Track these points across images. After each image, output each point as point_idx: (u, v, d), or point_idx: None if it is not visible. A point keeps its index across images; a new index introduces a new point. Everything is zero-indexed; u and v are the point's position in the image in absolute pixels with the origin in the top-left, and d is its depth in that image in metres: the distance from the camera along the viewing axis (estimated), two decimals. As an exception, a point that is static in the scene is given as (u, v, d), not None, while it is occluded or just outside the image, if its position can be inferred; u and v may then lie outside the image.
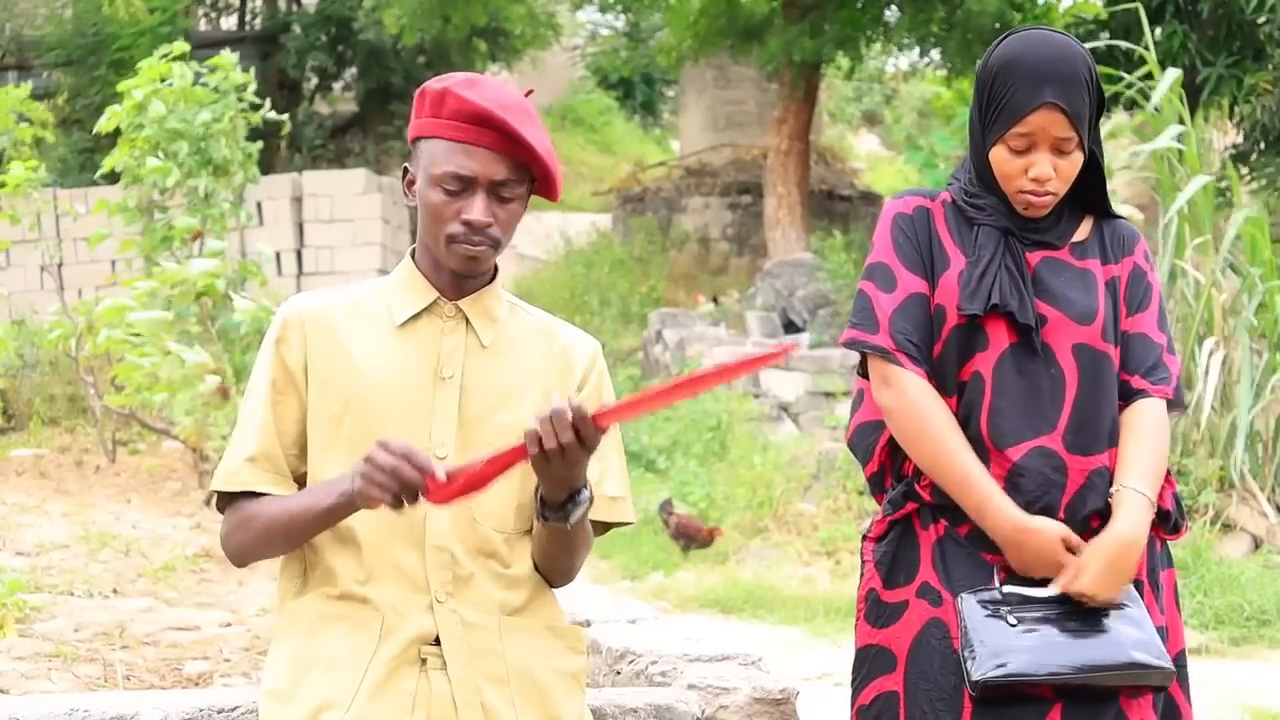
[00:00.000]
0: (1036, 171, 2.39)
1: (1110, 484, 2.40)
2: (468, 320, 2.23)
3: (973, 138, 2.50)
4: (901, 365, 2.41)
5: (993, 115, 2.41)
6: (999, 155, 2.42)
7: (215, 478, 2.20)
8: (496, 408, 2.20)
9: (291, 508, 2.12)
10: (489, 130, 2.13)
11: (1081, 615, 2.32)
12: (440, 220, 2.15)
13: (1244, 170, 11.37)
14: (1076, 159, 2.41)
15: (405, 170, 2.23)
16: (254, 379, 2.21)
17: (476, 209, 2.13)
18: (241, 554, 2.20)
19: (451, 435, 2.16)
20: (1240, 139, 12.32)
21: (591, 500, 2.12)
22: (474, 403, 2.19)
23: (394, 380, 2.17)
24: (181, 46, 8.11)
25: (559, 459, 1.98)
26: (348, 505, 2.04)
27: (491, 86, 2.17)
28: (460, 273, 2.19)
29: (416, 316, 2.21)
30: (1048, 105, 2.35)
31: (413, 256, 2.27)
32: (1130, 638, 2.29)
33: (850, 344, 2.47)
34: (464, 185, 2.14)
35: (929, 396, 2.40)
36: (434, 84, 2.20)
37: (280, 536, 2.14)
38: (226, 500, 2.20)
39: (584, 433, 1.96)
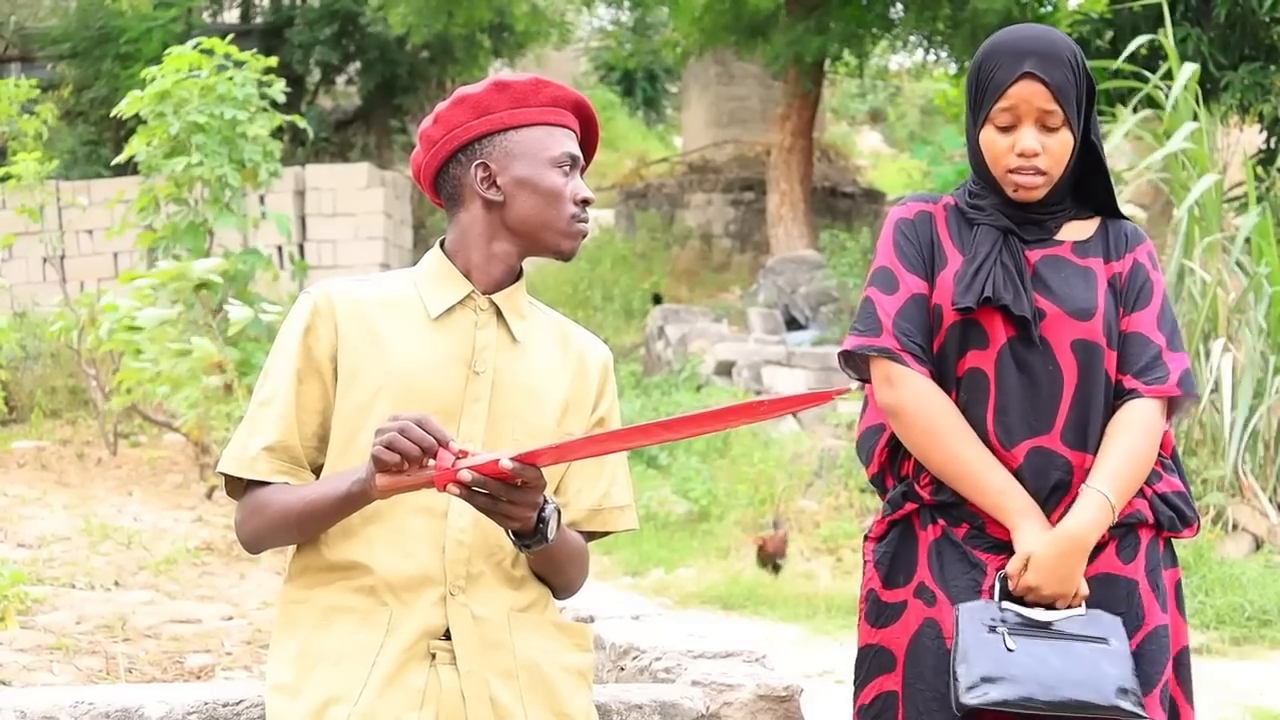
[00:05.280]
0: (1021, 145, 2.40)
1: None
2: (500, 315, 2.22)
3: (968, 137, 2.52)
4: (906, 365, 2.41)
5: (979, 99, 2.45)
6: (987, 137, 2.44)
7: (226, 459, 2.16)
8: (525, 405, 2.19)
9: (306, 496, 2.10)
10: (580, 118, 2.27)
11: (1071, 644, 2.32)
12: (563, 200, 2.20)
13: (1265, 173, 11.30)
14: (1065, 139, 2.42)
15: (485, 166, 2.19)
16: (276, 364, 2.18)
17: (587, 188, 2.23)
18: (254, 542, 2.18)
19: (480, 431, 2.15)
20: (1263, 143, 12.30)
21: (559, 512, 2.09)
22: (504, 399, 2.18)
23: (427, 373, 2.15)
24: (217, 42, 8.10)
25: (511, 506, 1.97)
26: (362, 494, 2.02)
27: None
28: (569, 255, 2.24)
29: (450, 309, 2.20)
30: (1028, 76, 2.39)
31: (441, 247, 2.25)
32: (1114, 680, 2.29)
33: (855, 349, 2.46)
34: (573, 165, 2.22)
35: (936, 396, 2.41)
36: (509, 78, 2.23)
37: (294, 524, 2.11)
38: (236, 482, 2.18)
39: (528, 480, 1.94)
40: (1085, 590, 2.37)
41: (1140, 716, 2.29)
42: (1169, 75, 9.27)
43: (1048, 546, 2.33)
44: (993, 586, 2.38)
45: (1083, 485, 2.38)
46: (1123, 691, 2.29)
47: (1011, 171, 2.42)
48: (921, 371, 2.42)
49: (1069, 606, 2.36)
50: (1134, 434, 2.40)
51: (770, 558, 8.13)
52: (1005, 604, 2.35)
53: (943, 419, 2.40)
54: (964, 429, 2.40)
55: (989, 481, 2.37)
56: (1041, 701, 2.27)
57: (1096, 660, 2.30)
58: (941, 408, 2.40)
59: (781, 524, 8.44)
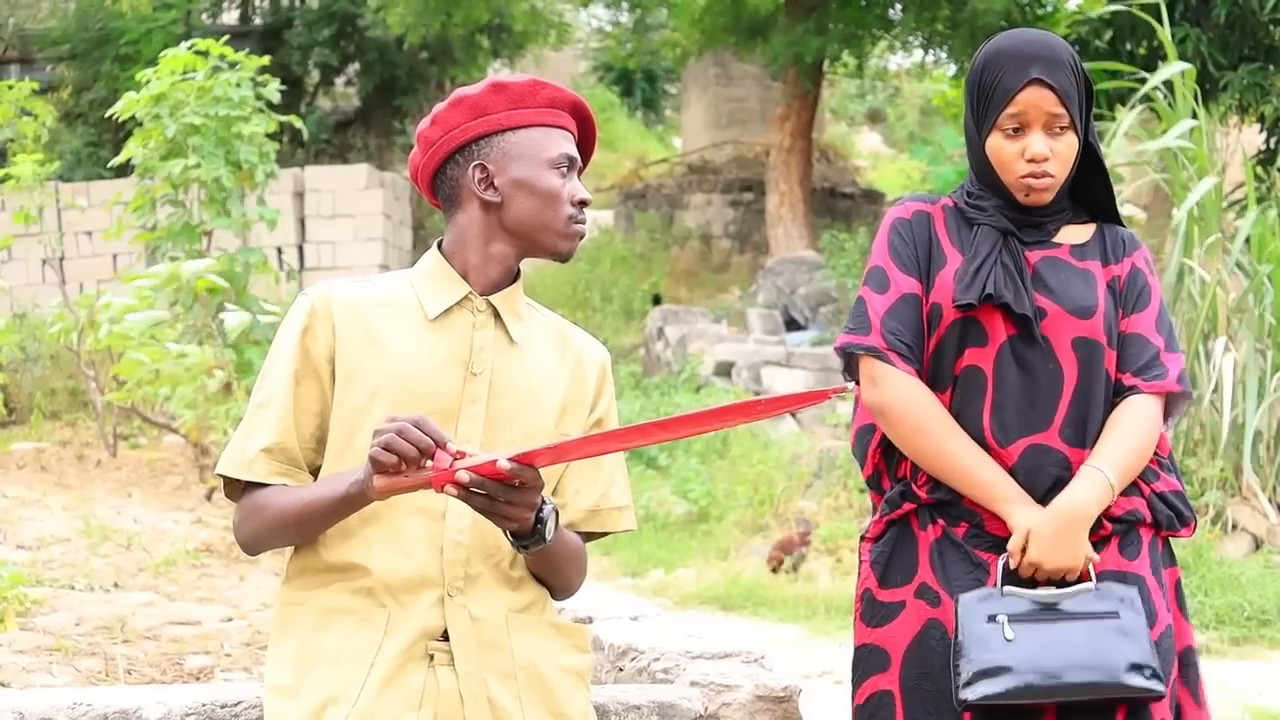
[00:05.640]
0: (1032, 151, 2.42)
1: None
2: (497, 316, 2.22)
3: (969, 141, 2.53)
4: (892, 364, 2.43)
5: (984, 105, 2.46)
6: (994, 144, 2.45)
7: (225, 460, 2.16)
8: (523, 407, 2.19)
9: (305, 497, 2.10)
10: (577, 119, 2.27)
11: (1078, 624, 2.32)
12: (560, 201, 2.20)
13: (1265, 173, 11.28)
14: (1071, 142, 2.44)
15: (482, 167, 2.19)
16: (274, 365, 2.18)
17: (585, 189, 2.23)
18: (253, 543, 2.19)
19: (478, 432, 2.15)
20: (1263, 143, 12.30)
21: (557, 512, 2.10)
22: (501, 401, 2.18)
23: (424, 374, 2.15)
24: (212, 44, 8.11)
25: (509, 506, 1.97)
26: (360, 495, 2.02)
27: None
28: (566, 256, 2.24)
29: (448, 310, 2.20)
30: (1035, 82, 2.41)
31: (439, 248, 2.25)
32: (1124, 657, 2.29)
33: (844, 348, 2.48)
34: (570, 166, 2.22)
35: (922, 393, 2.42)
36: (507, 79, 2.23)
37: (292, 526, 2.11)
38: (234, 484, 2.18)
39: (525, 481, 1.95)
40: (1092, 554, 2.36)
41: (1154, 692, 2.28)
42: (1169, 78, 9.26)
43: (1046, 521, 2.34)
44: (996, 575, 2.37)
45: (1081, 466, 2.39)
46: (1135, 668, 2.28)
47: (1024, 176, 2.43)
48: (907, 370, 2.43)
49: (1079, 580, 2.36)
50: (1134, 426, 2.41)
51: (779, 557, 8.12)
52: (1009, 588, 2.35)
53: (928, 415, 2.41)
54: (950, 424, 2.41)
55: (979, 474, 2.38)
56: (1042, 689, 2.27)
57: (1103, 638, 2.30)
58: (926, 404, 2.41)
59: (805, 523, 8.41)
